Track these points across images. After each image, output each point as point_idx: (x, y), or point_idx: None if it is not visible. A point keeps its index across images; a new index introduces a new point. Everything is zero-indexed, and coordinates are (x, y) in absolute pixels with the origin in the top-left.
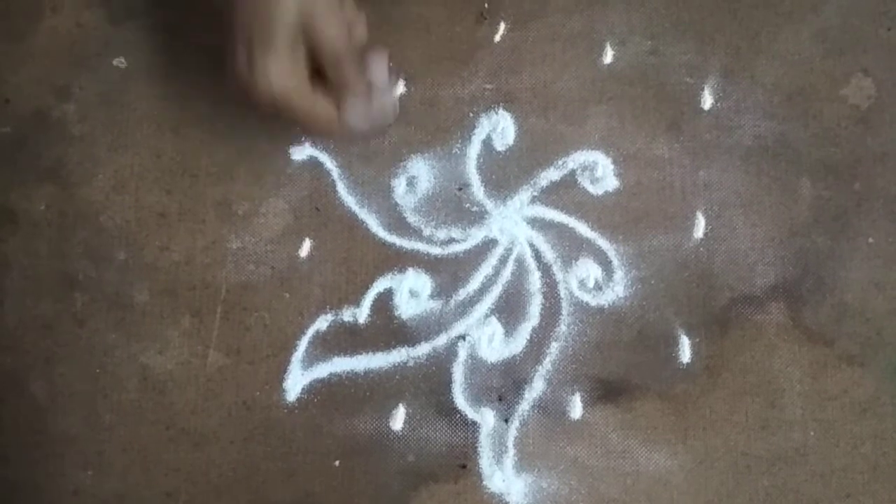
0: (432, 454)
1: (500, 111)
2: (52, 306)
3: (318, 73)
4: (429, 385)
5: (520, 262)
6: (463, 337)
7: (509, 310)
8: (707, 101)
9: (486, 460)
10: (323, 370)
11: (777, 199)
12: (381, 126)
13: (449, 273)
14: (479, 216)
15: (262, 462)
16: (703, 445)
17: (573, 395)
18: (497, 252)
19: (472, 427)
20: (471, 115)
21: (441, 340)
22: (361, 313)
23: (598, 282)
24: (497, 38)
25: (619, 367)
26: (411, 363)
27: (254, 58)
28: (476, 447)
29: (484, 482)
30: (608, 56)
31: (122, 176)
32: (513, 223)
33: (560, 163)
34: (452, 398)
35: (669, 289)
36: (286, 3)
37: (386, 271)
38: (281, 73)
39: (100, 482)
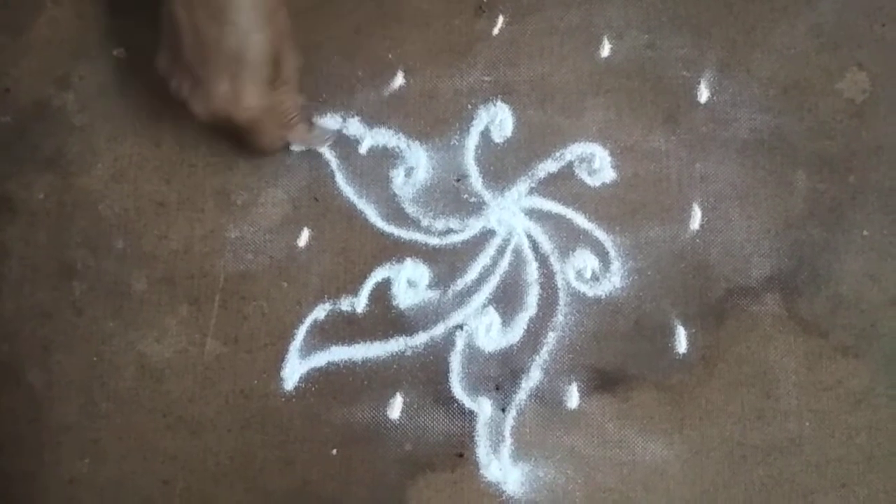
0: (430, 443)
1: (499, 103)
2: (51, 295)
3: None
4: (426, 374)
5: (517, 253)
6: (460, 326)
7: (507, 300)
8: (703, 94)
9: (483, 449)
10: (321, 359)
11: (772, 192)
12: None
13: (447, 263)
14: (477, 207)
15: (259, 450)
16: (699, 435)
17: (570, 384)
18: (495, 243)
19: (470, 416)
20: (469, 106)
21: (439, 330)
22: (359, 303)
23: (595, 272)
24: (495, 30)
25: (615, 358)
26: (409, 352)
27: (242, 86)
28: (473, 436)
29: (481, 471)
30: (605, 49)
31: (121, 165)
32: (511, 214)
33: (558, 154)
34: (450, 387)
35: (666, 280)
36: (266, 39)
37: (384, 261)
38: (264, 101)
39: (96, 470)
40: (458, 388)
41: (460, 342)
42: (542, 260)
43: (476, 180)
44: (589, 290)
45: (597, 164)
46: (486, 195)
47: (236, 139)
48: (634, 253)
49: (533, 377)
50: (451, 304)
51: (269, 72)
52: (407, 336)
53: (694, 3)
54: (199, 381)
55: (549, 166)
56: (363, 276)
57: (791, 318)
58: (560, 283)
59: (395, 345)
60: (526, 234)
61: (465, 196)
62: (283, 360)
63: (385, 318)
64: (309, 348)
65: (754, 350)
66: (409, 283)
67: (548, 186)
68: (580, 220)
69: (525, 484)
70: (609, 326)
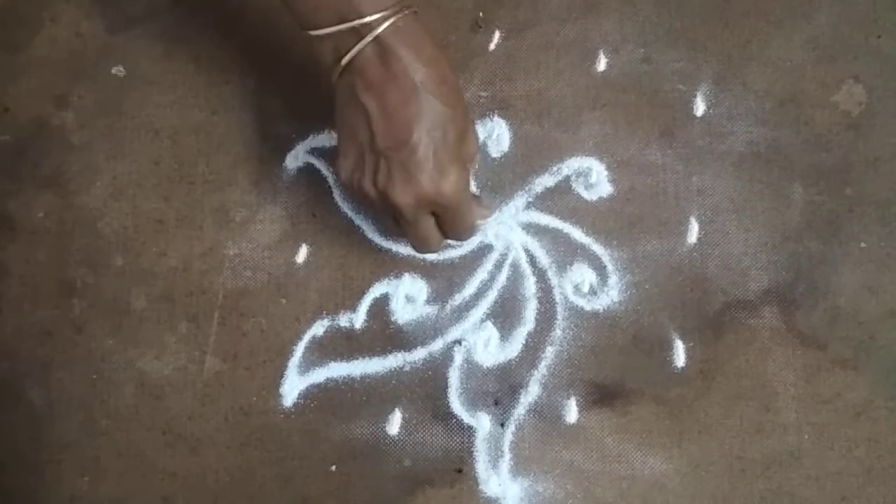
0: (429, 458)
1: (496, 118)
2: (51, 313)
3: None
4: (425, 390)
5: (515, 268)
6: (459, 342)
7: (505, 314)
8: (699, 107)
9: (482, 465)
10: (319, 375)
11: (769, 205)
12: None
13: (445, 278)
14: None
15: (258, 467)
16: (698, 449)
17: (568, 399)
18: (492, 257)
19: (469, 431)
20: None
21: (437, 345)
22: (358, 318)
23: (593, 286)
24: (492, 46)
25: (614, 372)
26: (407, 368)
27: (446, 165)
28: (472, 451)
29: (480, 486)
30: (601, 64)
31: (120, 183)
32: (508, 228)
33: (554, 169)
34: (448, 403)
35: (664, 293)
36: (461, 114)
37: (382, 276)
38: (464, 181)
39: (96, 488)
40: (456, 404)
41: (459, 357)
42: (540, 274)
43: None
44: (587, 305)
45: (594, 178)
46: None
47: (416, 232)
48: (632, 267)
49: (531, 392)
50: (449, 319)
51: (463, 149)
52: (405, 351)
53: (689, 16)
54: (198, 398)
55: (546, 181)
56: (361, 292)
57: (789, 330)
58: (558, 297)
59: (394, 360)
60: (523, 248)
61: None
62: (282, 376)
63: (383, 334)
64: (308, 364)
65: (753, 363)
66: (408, 298)
67: (545, 201)
68: (577, 235)
69: (524, 499)
70: (607, 340)
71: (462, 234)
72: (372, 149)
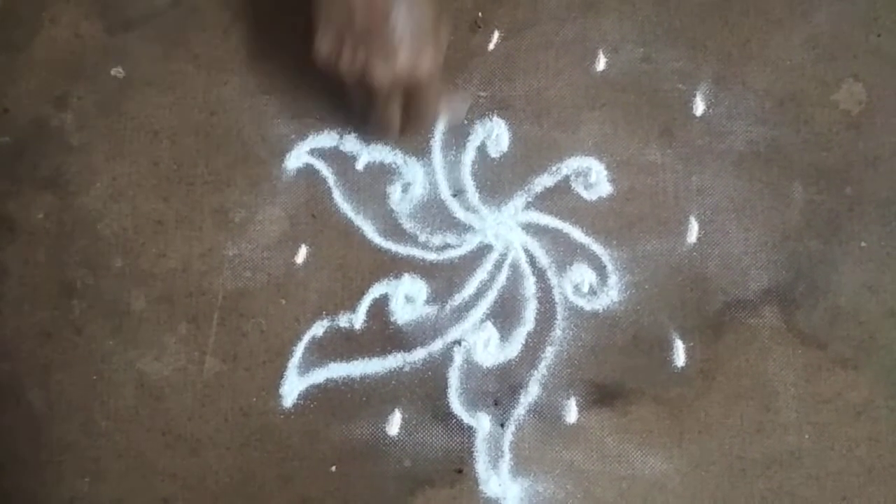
0: (429, 459)
1: (495, 118)
2: (50, 314)
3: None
4: (425, 390)
5: (515, 268)
6: (458, 342)
7: (504, 315)
8: (699, 107)
9: (482, 465)
10: (319, 376)
11: (769, 204)
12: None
13: (444, 278)
14: (474, 222)
15: (258, 468)
16: (698, 449)
17: (568, 399)
18: (492, 257)
19: (469, 432)
20: (465, 122)
21: (437, 345)
22: (357, 319)
23: (593, 286)
24: (491, 46)
25: (614, 372)
26: (407, 368)
27: (423, 47)
28: (472, 452)
29: (480, 487)
30: (601, 63)
31: (119, 184)
32: (508, 229)
33: (554, 169)
34: (448, 403)
35: (663, 293)
36: (441, 10)
37: (382, 277)
38: (438, 63)
39: (96, 489)
40: (456, 404)
41: (458, 357)
42: (540, 274)
43: (473, 195)
44: (586, 305)
45: (593, 177)
46: (483, 210)
47: (383, 114)
48: (632, 266)
49: (531, 392)
50: (448, 319)
51: (440, 33)
52: (405, 352)
53: (689, 15)
54: (198, 399)
55: (545, 181)
56: (361, 293)
57: (789, 330)
58: (558, 297)
59: (394, 361)
60: (523, 248)
61: (462, 211)
62: (281, 377)
63: (383, 335)
64: (307, 365)
65: (753, 363)
66: (407, 298)
67: (544, 201)
68: (577, 234)
69: (524, 499)
70: (607, 340)
71: (426, 117)
72: (351, 29)
